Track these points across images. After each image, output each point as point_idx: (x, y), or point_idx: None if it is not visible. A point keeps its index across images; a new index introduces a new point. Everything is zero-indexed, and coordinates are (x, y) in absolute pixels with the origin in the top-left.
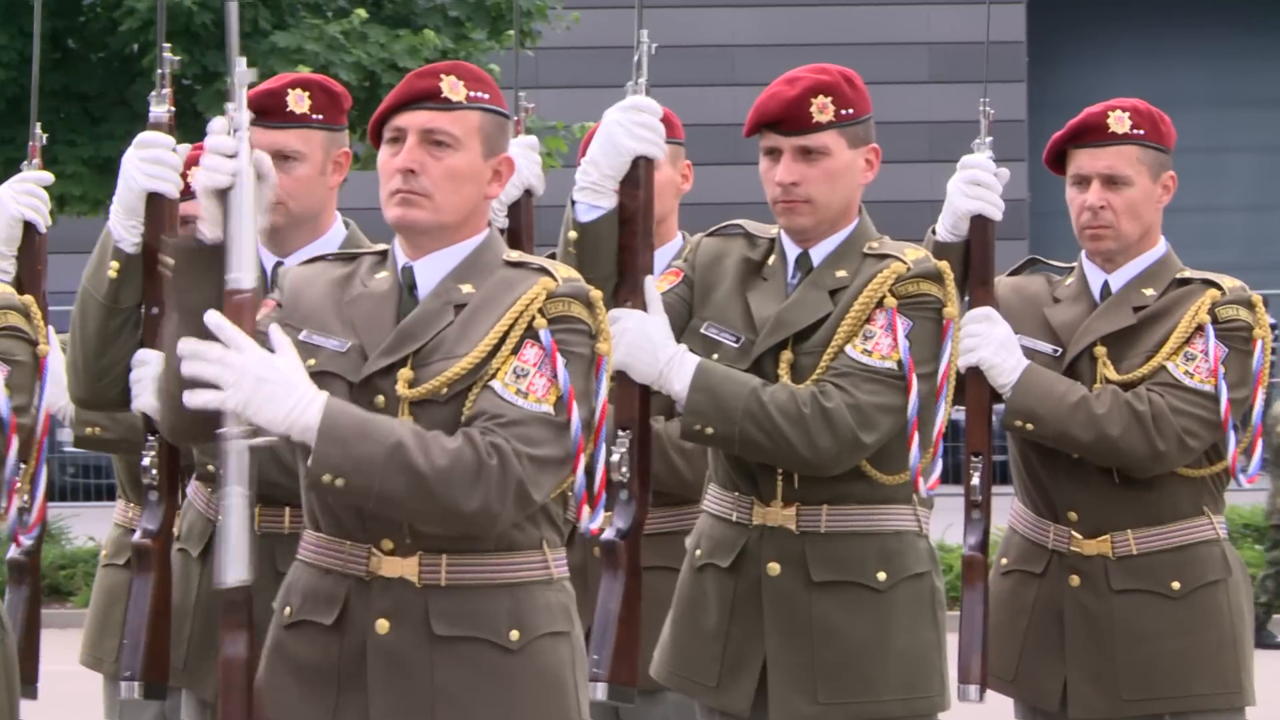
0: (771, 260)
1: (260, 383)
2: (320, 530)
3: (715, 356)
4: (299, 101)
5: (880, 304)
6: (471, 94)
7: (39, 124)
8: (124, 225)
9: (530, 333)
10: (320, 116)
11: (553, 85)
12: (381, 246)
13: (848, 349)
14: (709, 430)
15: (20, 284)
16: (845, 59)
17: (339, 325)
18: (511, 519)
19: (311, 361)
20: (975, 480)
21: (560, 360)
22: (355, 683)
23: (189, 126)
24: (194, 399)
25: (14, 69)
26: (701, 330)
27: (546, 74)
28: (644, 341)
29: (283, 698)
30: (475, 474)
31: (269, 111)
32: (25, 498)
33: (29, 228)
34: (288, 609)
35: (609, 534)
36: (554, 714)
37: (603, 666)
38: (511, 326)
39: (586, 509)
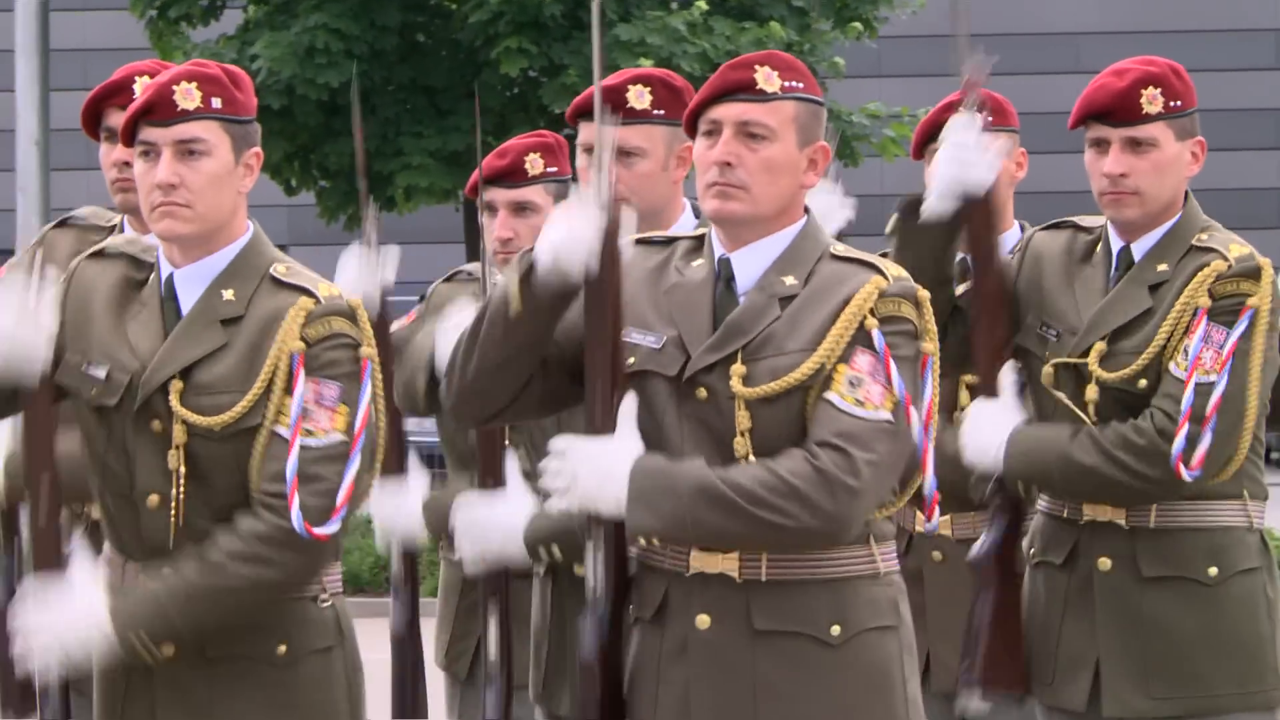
0: (1097, 251)
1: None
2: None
3: (1046, 354)
4: (640, 97)
5: (1195, 314)
6: (786, 84)
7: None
8: None
9: (863, 335)
10: (662, 112)
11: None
12: (699, 231)
13: (1170, 367)
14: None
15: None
16: (1191, 46)
17: (655, 316)
18: (857, 522)
19: (631, 361)
20: None
21: (894, 365)
22: (676, 678)
23: (533, 121)
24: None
25: (365, 61)
26: (1038, 330)
27: (889, 62)
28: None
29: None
30: (820, 482)
31: (610, 108)
32: None
33: None
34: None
35: (981, 544)
36: (879, 709)
37: (975, 671)
38: (846, 328)
39: (921, 513)
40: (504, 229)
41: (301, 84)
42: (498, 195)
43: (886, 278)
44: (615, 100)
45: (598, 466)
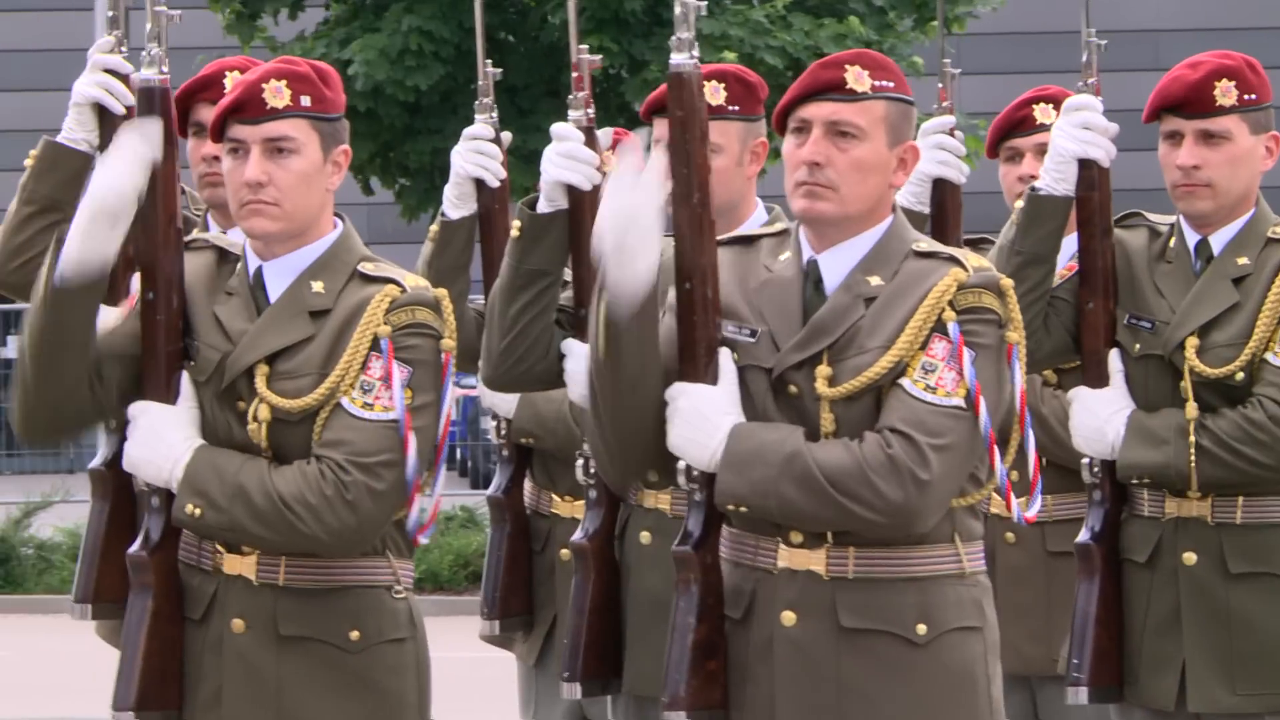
0: (1172, 246)
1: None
2: (731, 525)
3: (1138, 347)
4: (714, 93)
5: None
6: (876, 83)
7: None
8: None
9: (939, 326)
10: (736, 107)
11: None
12: (780, 226)
13: (1269, 357)
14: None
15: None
16: (1271, 43)
17: (748, 311)
18: (929, 513)
19: (735, 356)
20: None
21: (968, 354)
22: (762, 675)
23: (613, 119)
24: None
25: (450, 63)
26: (1129, 323)
27: (970, 60)
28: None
29: None
30: (889, 471)
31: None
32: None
33: (481, 185)
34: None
35: (1084, 535)
36: (963, 709)
37: (1083, 670)
38: (924, 322)
39: (1015, 500)
40: None
41: (391, 85)
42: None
43: (966, 269)
44: None
45: (700, 416)
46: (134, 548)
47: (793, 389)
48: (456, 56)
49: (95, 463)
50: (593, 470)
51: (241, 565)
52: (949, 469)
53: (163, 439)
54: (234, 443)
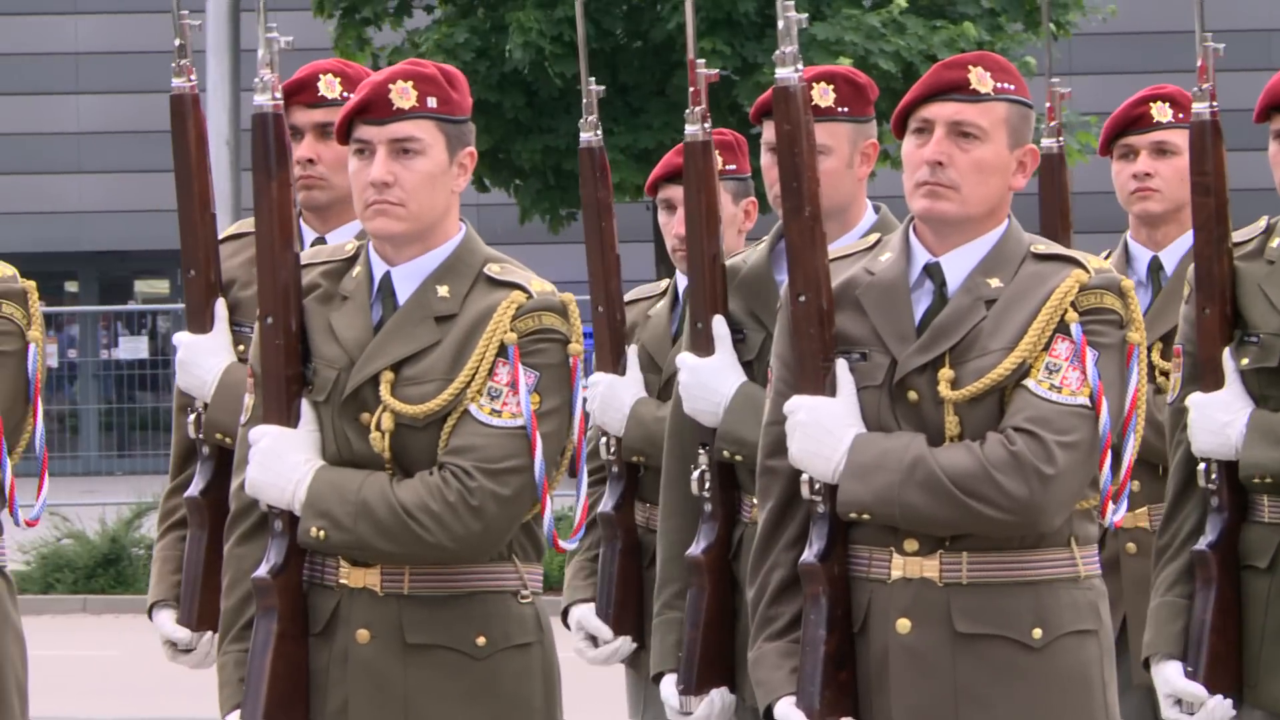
0: (1271, 246)
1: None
2: (853, 541)
3: (1246, 359)
4: (824, 95)
5: None
6: (999, 85)
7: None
8: None
9: (1062, 327)
10: (846, 109)
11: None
12: (874, 238)
13: None
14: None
15: None
16: None
17: (856, 327)
18: (1055, 510)
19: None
20: None
21: (1091, 354)
22: (879, 685)
23: (724, 120)
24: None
25: (567, 62)
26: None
27: (1083, 60)
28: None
29: None
30: (1013, 468)
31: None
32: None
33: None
34: None
35: (1201, 543)
36: (1079, 713)
37: (1198, 678)
38: (1047, 323)
39: (1110, 504)
40: (682, 226)
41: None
42: (676, 193)
43: (1088, 271)
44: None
45: (822, 429)
46: (259, 571)
47: (912, 395)
48: (569, 57)
49: (192, 491)
50: (707, 485)
51: (365, 578)
52: (1074, 465)
53: (284, 460)
54: (355, 458)
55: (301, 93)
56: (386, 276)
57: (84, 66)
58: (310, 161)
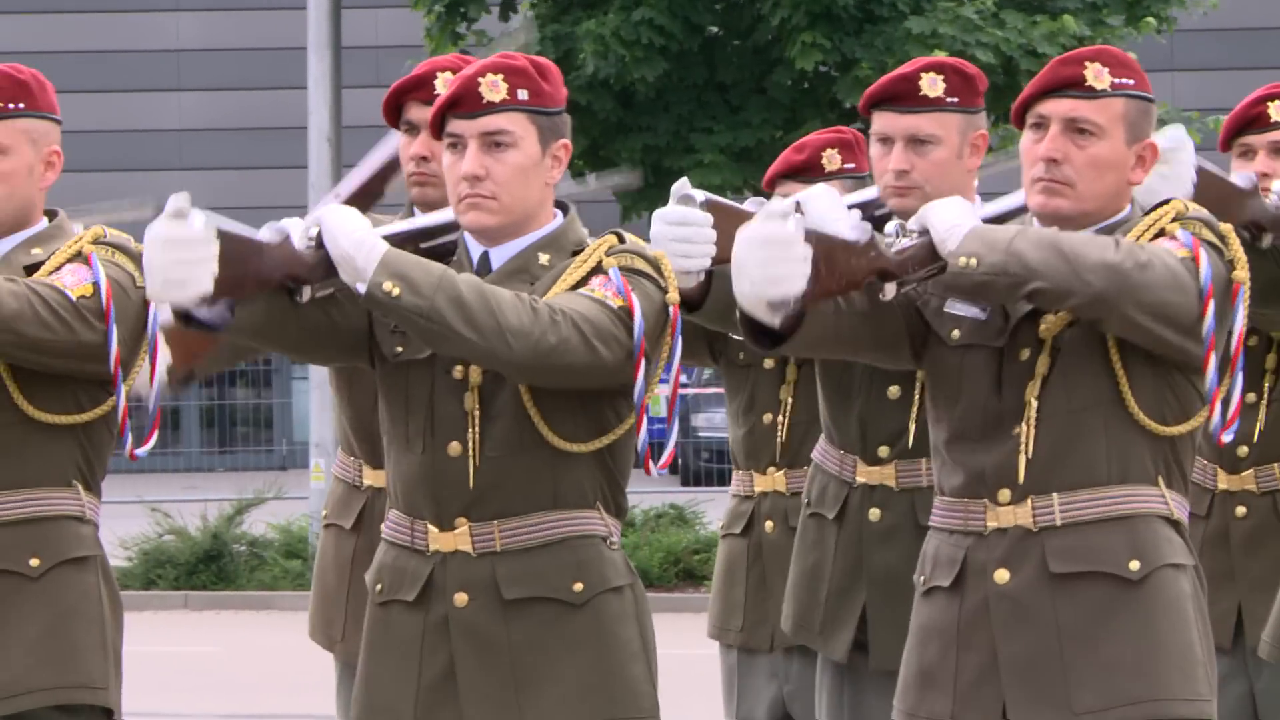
0: None
1: None
2: (945, 494)
3: None
4: (933, 85)
5: None
6: (1116, 80)
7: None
8: None
9: (1159, 235)
10: (956, 100)
11: (1193, 68)
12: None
13: None
14: None
15: None
16: None
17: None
18: (1135, 289)
19: (955, 333)
20: None
21: (1187, 235)
22: (981, 641)
23: (824, 115)
24: None
25: (671, 59)
26: None
27: (1184, 56)
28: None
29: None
30: (1125, 250)
31: (902, 96)
32: None
33: None
34: (921, 576)
35: None
36: (1180, 644)
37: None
38: (1142, 234)
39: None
40: None
41: (612, 77)
42: (792, 190)
43: (1185, 205)
44: (908, 88)
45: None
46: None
47: (1024, 353)
48: (678, 54)
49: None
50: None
51: (456, 540)
52: (1167, 271)
53: (358, 224)
54: (444, 419)
55: (418, 90)
56: (484, 256)
57: (185, 63)
58: (424, 159)
